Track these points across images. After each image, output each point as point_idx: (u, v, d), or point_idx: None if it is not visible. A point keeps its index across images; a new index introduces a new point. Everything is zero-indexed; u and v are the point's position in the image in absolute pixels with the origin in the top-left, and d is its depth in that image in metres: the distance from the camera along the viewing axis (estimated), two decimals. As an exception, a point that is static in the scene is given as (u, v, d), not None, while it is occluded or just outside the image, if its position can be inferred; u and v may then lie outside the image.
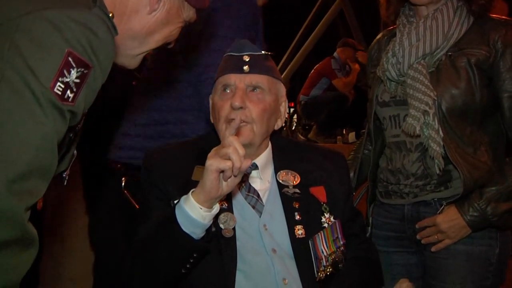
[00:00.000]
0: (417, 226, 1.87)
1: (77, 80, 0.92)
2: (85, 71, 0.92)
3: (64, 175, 1.15)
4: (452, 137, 1.79)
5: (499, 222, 1.78)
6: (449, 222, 1.79)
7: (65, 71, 0.90)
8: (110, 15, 1.00)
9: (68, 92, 0.91)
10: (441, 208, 1.82)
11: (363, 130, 2.18)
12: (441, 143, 1.77)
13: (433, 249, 1.84)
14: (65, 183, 1.16)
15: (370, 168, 2.02)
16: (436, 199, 1.85)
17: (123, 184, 2.66)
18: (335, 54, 6.43)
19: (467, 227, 1.78)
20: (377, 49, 2.06)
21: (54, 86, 0.89)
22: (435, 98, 1.76)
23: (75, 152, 1.15)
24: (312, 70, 6.48)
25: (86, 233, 3.03)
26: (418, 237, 1.87)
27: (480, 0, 1.80)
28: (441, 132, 1.77)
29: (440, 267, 1.84)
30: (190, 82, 2.09)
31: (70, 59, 0.90)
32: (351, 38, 7.13)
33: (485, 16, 1.84)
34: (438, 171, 1.79)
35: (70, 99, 0.91)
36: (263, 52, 1.72)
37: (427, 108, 1.76)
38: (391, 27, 2.06)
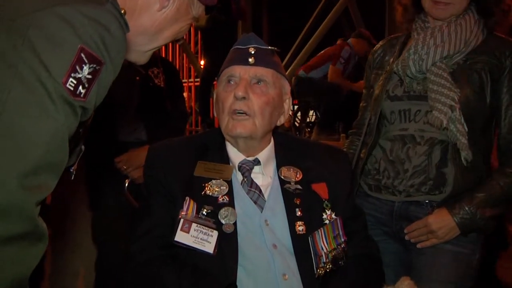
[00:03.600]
0: (406, 230, 1.94)
1: (89, 76, 0.91)
2: (97, 67, 0.92)
3: (71, 170, 1.15)
4: None
5: (485, 226, 1.88)
6: (440, 223, 1.86)
7: (77, 67, 0.90)
8: (122, 11, 1.00)
9: (80, 88, 0.91)
10: (432, 210, 1.90)
11: (353, 130, 2.25)
12: (467, 136, 1.84)
13: (419, 245, 1.92)
14: (72, 178, 1.16)
15: (363, 160, 2.05)
16: (428, 201, 1.92)
17: (126, 186, 2.68)
18: (349, 41, 6.12)
19: (457, 228, 1.86)
20: (381, 53, 2.14)
21: (67, 81, 0.89)
22: (459, 94, 1.85)
23: (82, 147, 1.15)
24: (323, 51, 6.26)
25: (89, 228, 3.04)
26: (406, 238, 1.94)
27: (494, 16, 1.92)
28: (465, 126, 1.84)
29: (426, 264, 1.91)
30: None
31: (82, 55, 0.90)
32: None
33: (496, 34, 1.96)
34: (465, 163, 1.86)
35: (82, 95, 0.91)
36: (269, 47, 1.73)
37: (453, 103, 1.84)
38: (397, 34, 2.16)
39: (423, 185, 1.91)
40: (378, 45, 2.20)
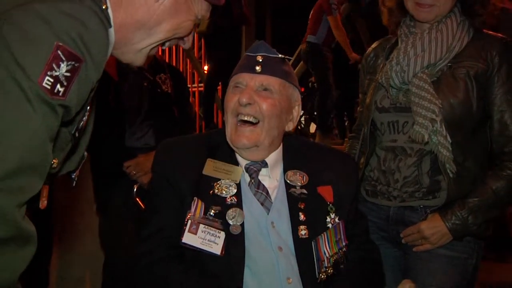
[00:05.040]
0: (401, 235, 1.94)
1: (68, 74, 0.89)
2: (76, 65, 0.90)
3: (73, 176, 1.13)
4: None
5: (477, 231, 1.87)
6: (433, 229, 1.86)
7: (54, 65, 0.87)
8: (104, 7, 0.98)
9: (58, 86, 0.88)
10: (426, 215, 1.90)
11: (352, 134, 2.25)
12: (450, 148, 1.82)
13: (414, 249, 1.92)
14: (74, 184, 1.15)
15: (362, 170, 2.04)
16: (422, 206, 1.91)
17: (134, 191, 2.70)
18: None
19: (449, 234, 1.86)
20: (373, 57, 2.12)
21: (43, 80, 0.87)
22: (441, 106, 1.82)
23: (85, 153, 1.13)
24: (312, 12, 6.11)
25: (95, 233, 3.05)
26: (403, 241, 1.94)
27: (481, 16, 1.88)
28: (449, 138, 1.82)
29: (422, 269, 1.90)
30: None
31: (59, 52, 0.88)
32: (359, 41, 7.00)
33: (483, 32, 1.92)
34: (451, 175, 1.84)
35: (60, 93, 0.89)
36: (280, 55, 1.72)
37: (434, 116, 1.82)
38: (389, 37, 2.13)
39: (416, 192, 1.90)
40: (370, 49, 2.18)
